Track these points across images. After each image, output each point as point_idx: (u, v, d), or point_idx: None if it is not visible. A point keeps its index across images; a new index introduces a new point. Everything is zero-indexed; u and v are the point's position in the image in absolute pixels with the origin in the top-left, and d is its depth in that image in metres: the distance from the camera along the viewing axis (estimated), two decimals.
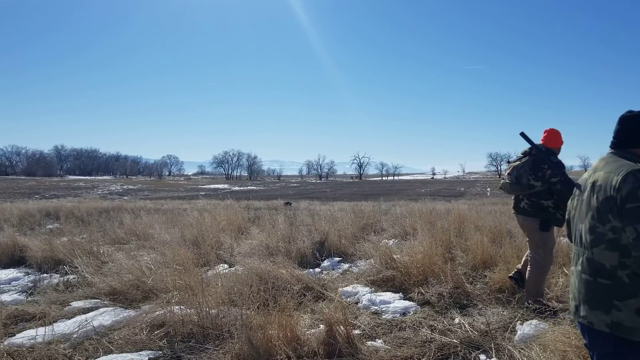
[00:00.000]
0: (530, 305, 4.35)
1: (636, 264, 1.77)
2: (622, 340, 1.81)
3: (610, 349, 1.86)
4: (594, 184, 1.93)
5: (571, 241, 2.24)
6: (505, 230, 7.72)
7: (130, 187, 56.30)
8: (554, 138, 4.48)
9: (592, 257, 1.90)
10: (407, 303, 4.63)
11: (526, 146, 4.38)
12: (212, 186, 65.12)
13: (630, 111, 2.02)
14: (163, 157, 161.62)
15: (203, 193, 41.29)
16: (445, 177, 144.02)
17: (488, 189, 45.35)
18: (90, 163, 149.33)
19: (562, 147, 4.51)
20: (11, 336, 3.82)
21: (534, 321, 3.97)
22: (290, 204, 17.58)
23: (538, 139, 4.43)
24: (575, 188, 2.18)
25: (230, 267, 6.11)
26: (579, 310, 1.97)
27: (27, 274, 6.38)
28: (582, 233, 1.98)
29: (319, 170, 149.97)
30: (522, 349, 3.38)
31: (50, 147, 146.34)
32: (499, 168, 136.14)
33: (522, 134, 2.92)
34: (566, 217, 2.30)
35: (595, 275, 1.88)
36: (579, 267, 1.97)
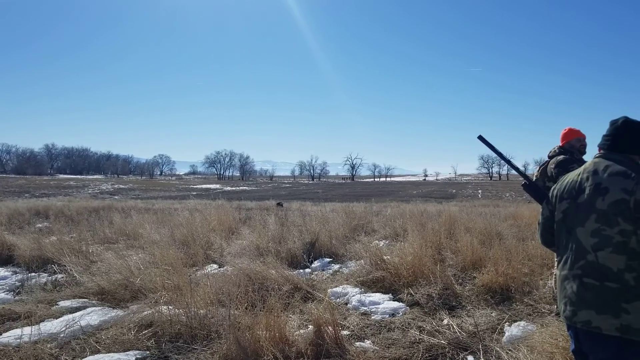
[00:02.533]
0: None
1: None
2: (626, 342, 1.81)
3: (610, 354, 1.85)
4: (597, 186, 1.90)
5: (549, 246, 2.23)
6: (495, 232, 7.79)
7: (121, 186, 55.83)
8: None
9: (596, 261, 1.87)
10: (396, 304, 4.64)
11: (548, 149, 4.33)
12: (204, 186, 64.73)
13: (627, 117, 2.01)
14: (155, 156, 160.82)
15: (195, 193, 41.07)
16: (437, 179, 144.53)
17: (479, 191, 45.54)
18: (81, 162, 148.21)
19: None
20: None
21: (522, 323, 4.02)
22: (281, 205, 17.54)
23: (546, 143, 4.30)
24: (547, 198, 2.21)
25: (219, 268, 6.09)
26: (577, 315, 1.93)
27: (15, 272, 6.31)
28: (579, 236, 1.95)
29: (312, 171, 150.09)
30: (509, 350, 3.40)
31: (41, 146, 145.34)
32: (490, 170, 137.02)
33: (480, 137, 2.72)
34: (540, 220, 2.26)
35: (602, 279, 1.85)
36: (578, 271, 1.93)
